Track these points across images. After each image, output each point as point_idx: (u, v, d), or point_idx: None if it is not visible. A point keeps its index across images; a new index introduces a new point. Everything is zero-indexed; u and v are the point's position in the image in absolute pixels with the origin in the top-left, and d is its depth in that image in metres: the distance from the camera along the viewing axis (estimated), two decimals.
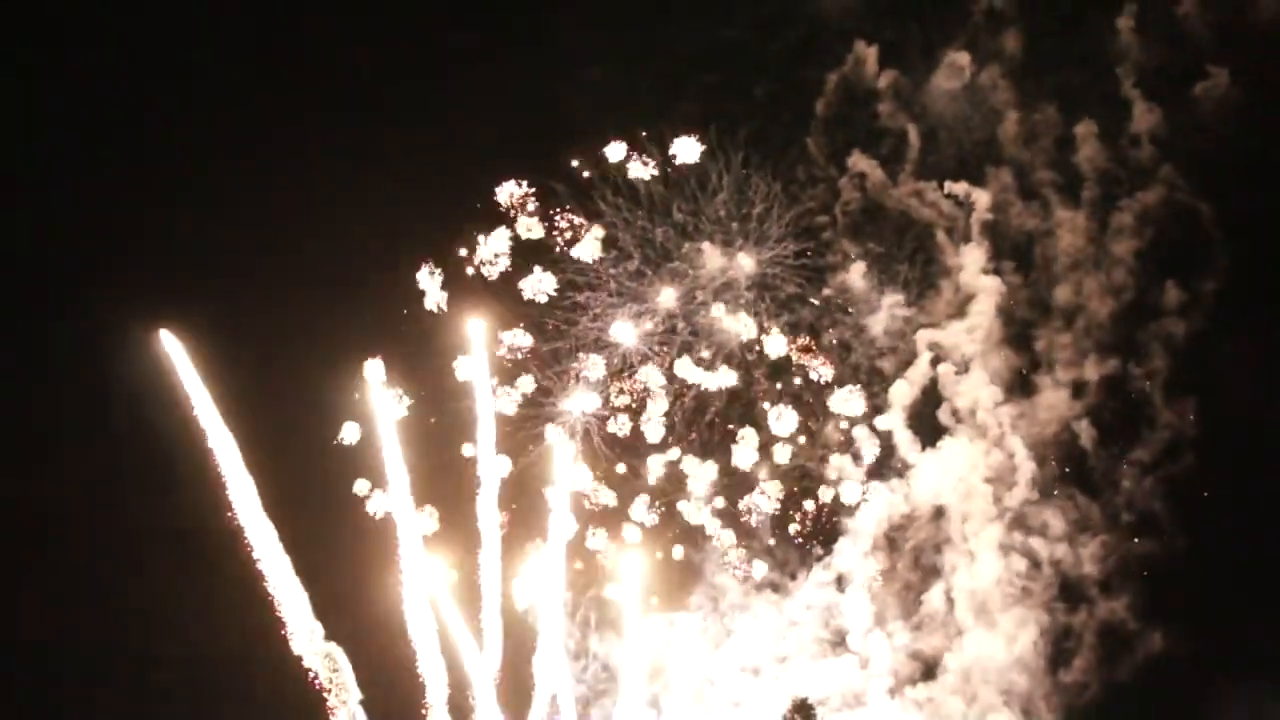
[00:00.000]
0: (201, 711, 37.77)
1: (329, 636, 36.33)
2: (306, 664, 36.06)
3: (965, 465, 38.66)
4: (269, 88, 37.98)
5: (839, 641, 39.18)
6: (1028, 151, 38.99)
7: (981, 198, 38.89)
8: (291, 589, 36.21)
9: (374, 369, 37.63)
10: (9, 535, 36.62)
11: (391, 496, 37.52)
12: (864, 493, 39.08)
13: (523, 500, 38.66)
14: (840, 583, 39.33)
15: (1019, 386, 38.87)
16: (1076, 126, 38.58)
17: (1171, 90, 37.91)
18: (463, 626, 37.15)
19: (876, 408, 39.37)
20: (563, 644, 37.93)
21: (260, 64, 38.22)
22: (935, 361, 39.08)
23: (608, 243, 38.31)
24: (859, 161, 39.13)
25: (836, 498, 39.19)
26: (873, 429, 39.09)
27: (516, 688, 37.49)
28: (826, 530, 39.41)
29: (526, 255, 38.29)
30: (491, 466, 37.97)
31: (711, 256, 38.70)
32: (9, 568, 36.58)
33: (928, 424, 39.10)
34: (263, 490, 36.36)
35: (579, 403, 39.00)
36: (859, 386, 38.89)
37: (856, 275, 39.28)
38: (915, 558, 39.30)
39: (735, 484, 39.19)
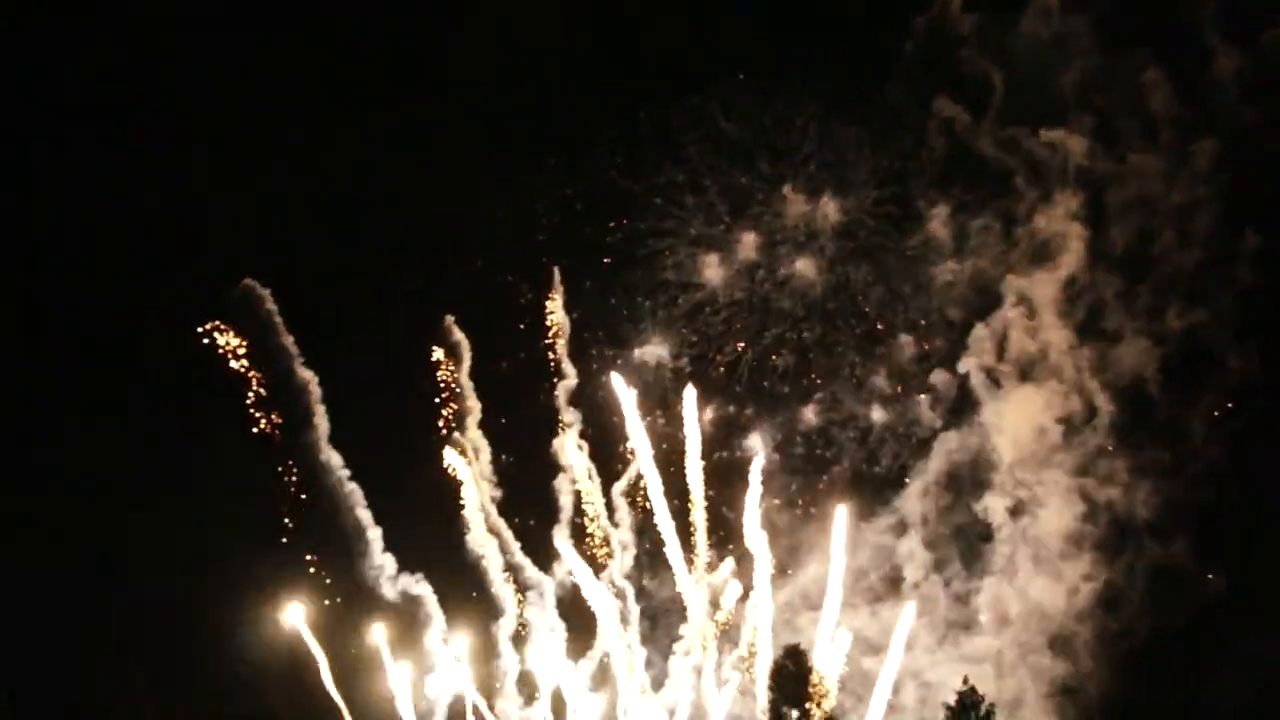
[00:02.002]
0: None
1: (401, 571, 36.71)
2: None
3: (1038, 410, 38.85)
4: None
5: (894, 585, 39.60)
6: (1111, 97, 38.63)
7: (1075, 144, 38.61)
8: (366, 525, 36.48)
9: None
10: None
11: (464, 439, 37.82)
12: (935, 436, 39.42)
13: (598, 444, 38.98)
14: (903, 526, 39.64)
15: (1097, 333, 38.99)
16: (1160, 72, 38.16)
17: (1251, 37, 37.32)
18: (530, 564, 37.83)
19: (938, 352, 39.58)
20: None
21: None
22: (1017, 306, 39.05)
23: (691, 188, 38.20)
24: (945, 107, 38.77)
25: (909, 441, 39.62)
26: (952, 373, 39.28)
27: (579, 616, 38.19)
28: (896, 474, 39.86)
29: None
30: (568, 407, 38.64)
31: (794, 203, 38.53)
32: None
33: (1004, 369, 39.22)
34: (336, 430, 36.64)
35: (651, 351, 39.26)
36: None
37: (939, 222, 39.18)
38: (978, 501, 39.53)
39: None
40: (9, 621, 35.35)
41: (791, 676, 33.60)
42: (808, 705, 33.16)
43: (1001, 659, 38.54)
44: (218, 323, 35.64)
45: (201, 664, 36.28)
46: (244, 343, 35.90)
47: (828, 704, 34.31)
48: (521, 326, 38.95)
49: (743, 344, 39.43)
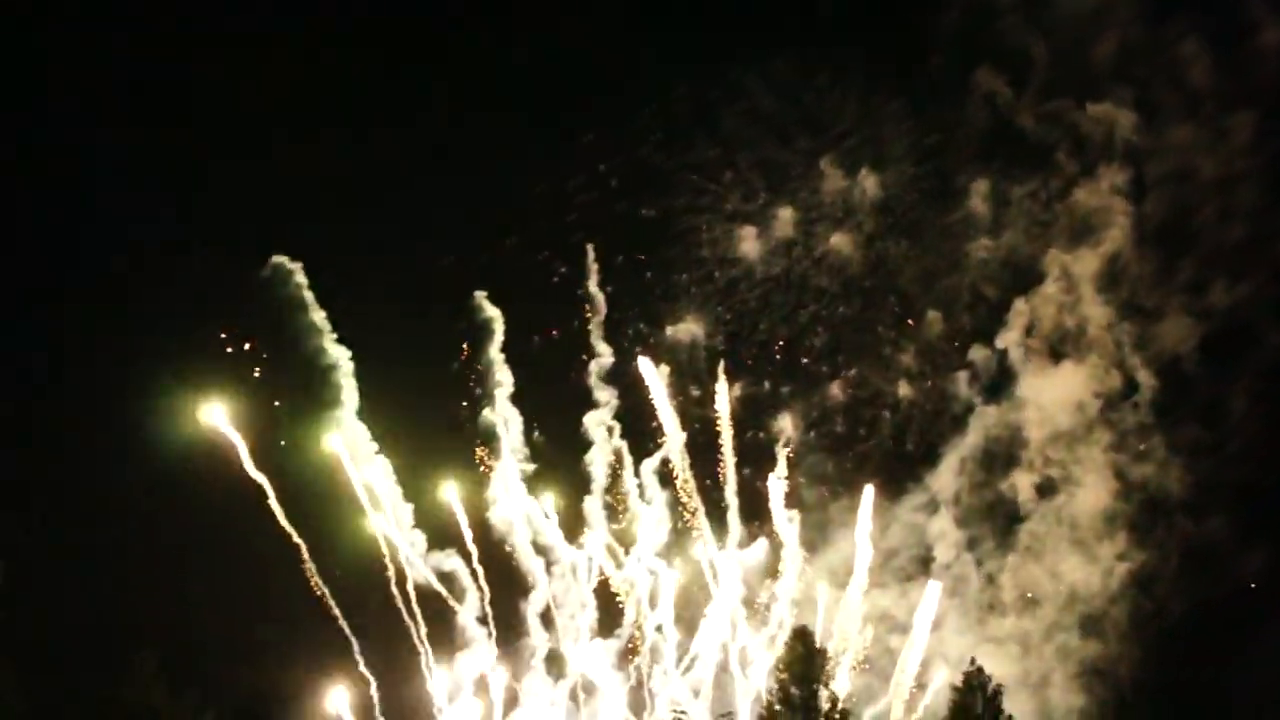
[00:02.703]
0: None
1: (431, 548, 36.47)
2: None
3: (1078, 386, 38.56)
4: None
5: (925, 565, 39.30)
6: (1152, 69, 38.01)
7: (1123, 117, 38.11)
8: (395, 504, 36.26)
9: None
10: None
11: (495, 415, 37.51)
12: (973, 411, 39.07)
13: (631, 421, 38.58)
14: (934, 505, 39.37)
15: (1136, 308, 38.71)
16: (1200, 43, 37.48)
17: None
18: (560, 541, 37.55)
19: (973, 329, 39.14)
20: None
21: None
22: (1058, 280, 38.71)
23: (727, 164, 37.88)
24: (986, 80, 38.26)
25: (943, 418, 39.36)
26: (992, 348, 38.99)
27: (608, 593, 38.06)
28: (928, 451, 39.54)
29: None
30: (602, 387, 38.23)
31: (832, 178, 38.11)
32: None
33: (1043, 345, 38.89)
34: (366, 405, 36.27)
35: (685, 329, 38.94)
36: None
37: (979, 197, 38.73)
38: (1012, 478, 39.24)
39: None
40: None
41: (799, 658, 33.42)
42: (815, 686, 32.97)
43: (1030, 639, 38.35)
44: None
45: None
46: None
47: (835, 686, 34.18)
48: (555, 304, 38.73)
49: (778, 323, 39.22)
